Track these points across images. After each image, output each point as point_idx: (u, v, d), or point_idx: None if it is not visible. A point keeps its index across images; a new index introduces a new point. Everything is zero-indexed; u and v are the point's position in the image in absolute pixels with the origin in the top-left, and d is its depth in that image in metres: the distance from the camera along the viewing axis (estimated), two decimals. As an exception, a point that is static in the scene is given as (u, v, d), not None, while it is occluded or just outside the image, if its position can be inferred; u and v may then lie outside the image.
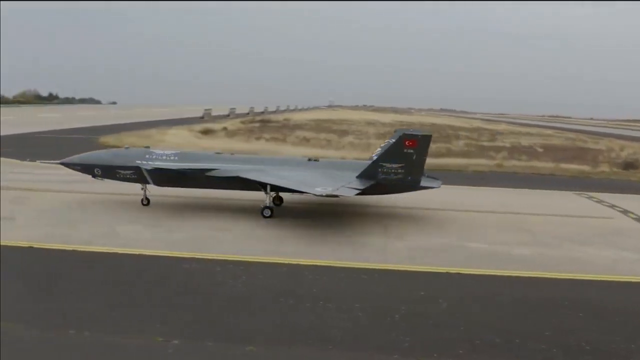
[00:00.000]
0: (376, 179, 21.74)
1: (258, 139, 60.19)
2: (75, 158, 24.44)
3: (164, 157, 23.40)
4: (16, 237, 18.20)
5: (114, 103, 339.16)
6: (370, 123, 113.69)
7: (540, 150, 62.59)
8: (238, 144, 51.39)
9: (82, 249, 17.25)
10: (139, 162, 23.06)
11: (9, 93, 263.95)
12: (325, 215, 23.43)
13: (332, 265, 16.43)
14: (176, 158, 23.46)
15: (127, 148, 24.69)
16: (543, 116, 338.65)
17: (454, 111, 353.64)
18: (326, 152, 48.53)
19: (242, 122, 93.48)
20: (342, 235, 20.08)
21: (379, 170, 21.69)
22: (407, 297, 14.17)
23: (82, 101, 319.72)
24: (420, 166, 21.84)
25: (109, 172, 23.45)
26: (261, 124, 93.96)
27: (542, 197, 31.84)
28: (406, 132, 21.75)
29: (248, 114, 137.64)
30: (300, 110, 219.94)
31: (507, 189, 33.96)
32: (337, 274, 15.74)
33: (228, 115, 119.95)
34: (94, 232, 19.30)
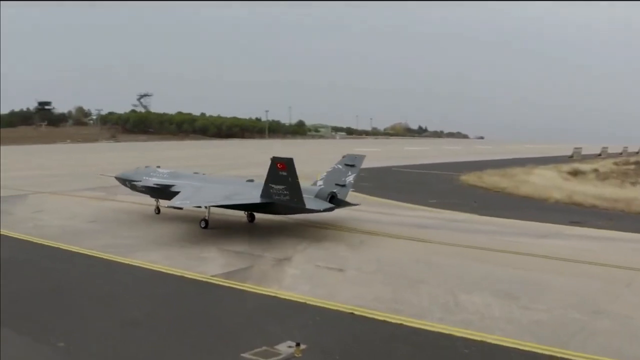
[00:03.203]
0: (272, 199, 23.13)
1: (634, 184, 54.08)
2: (119, 173, 31.11)
3: (159, 175, 28.42)
4: (342, 297, 15.61)
5: (481, 138, 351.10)
6: None
7: None
8: (610, 189, 47.95)
9: (410, 324, 13.89)
10: (144, 177, 28.28)
11: (381, 125, 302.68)
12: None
13: None
14: (166, 176, 28.15)
15: (147, 167, 30.25)
16: None
17: None
18: None
19: (615, 163, 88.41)
20: None
21: (271, 191, 22.95)
22: None
23: (450, 135, 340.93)
24: (297, 189, 22.26)
25: (133, 186, 29.19)
26: (637, 166, 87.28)
27: None
28: (275, 157, 22.86)
29: (621, 153, 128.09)
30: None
31: None
32: None
33: (599, 155, 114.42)
34: (432, 300, 15.71)
